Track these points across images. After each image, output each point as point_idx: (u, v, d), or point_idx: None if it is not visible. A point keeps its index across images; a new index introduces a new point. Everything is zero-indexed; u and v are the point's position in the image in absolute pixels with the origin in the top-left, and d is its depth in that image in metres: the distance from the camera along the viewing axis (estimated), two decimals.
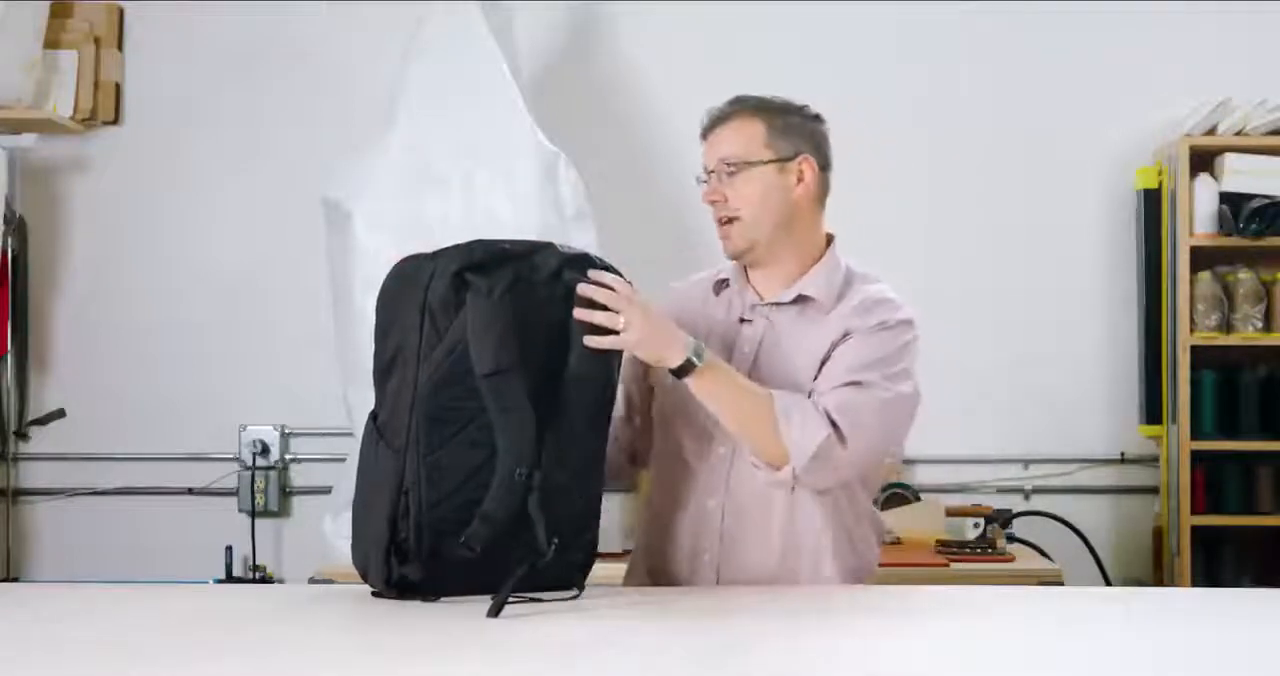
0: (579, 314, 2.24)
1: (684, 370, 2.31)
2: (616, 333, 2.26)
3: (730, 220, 2.48)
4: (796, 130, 2.51)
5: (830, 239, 2.56)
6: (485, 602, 2.11)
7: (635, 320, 2.25)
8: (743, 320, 2.53)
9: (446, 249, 2.28)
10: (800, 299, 2.49)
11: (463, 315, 2.22)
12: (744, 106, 2.52)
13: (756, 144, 2.48)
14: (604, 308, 2.26)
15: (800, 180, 2.49)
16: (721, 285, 2.59)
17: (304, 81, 4.57)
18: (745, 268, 2.55)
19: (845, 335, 2.43)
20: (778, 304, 2.50)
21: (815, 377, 2.42)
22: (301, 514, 4.54)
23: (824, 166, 2.52)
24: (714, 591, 2.44)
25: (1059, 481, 4.49)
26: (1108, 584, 4.20)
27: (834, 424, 2.33)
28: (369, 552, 2.27)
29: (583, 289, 2.25)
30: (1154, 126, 4.43)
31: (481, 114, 3.95)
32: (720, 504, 2.48)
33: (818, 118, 2.55)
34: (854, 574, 2.52)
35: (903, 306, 2.49)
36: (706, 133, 2.54)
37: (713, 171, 2.51)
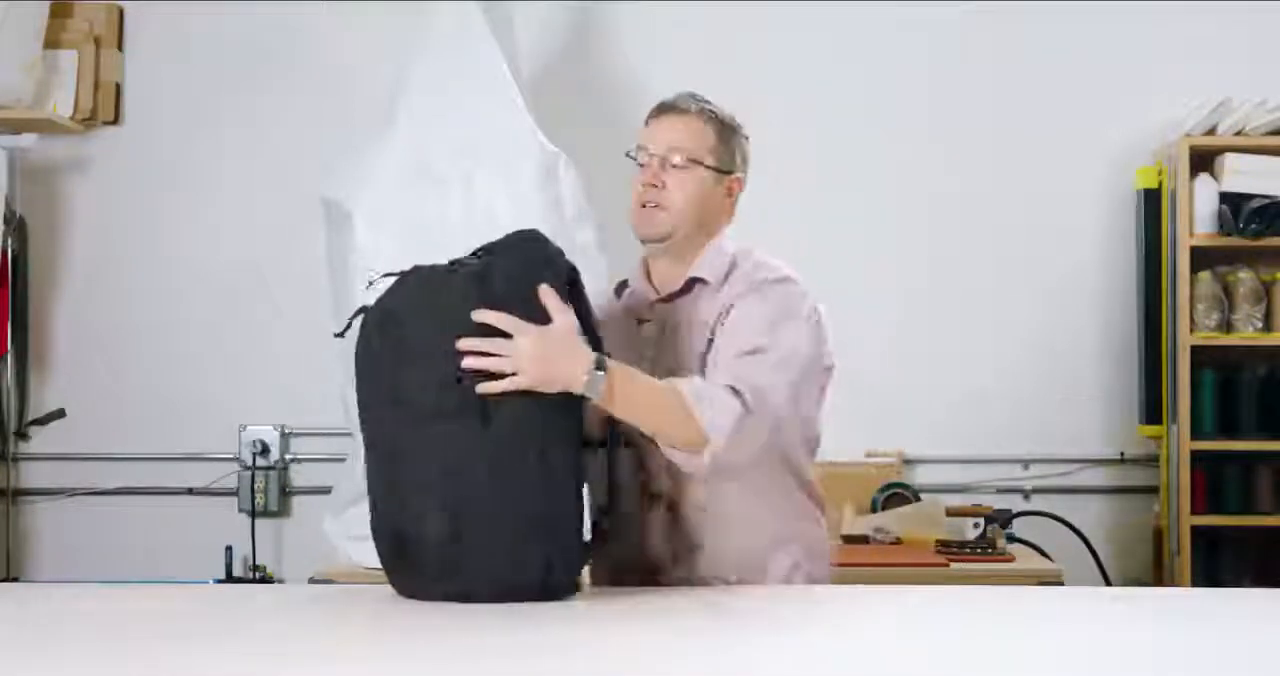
0: (469, 363, 2.18)
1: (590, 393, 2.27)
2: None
3: (658, 206, 2.51)
4: (739, 148, 2.59)
5: None
6: (483, 604, 2.11)
7: (523, 363, 2.18)
8: (640, 320, 2.56)
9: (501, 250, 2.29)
10: (690, 284, 2.53)
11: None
12: (700, 107, 2.56)
13: (705, 148, 2.54)
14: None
15: (729, 194, 2.57)
16: (622, 287, 2.64)
17: (304, 81, 4.57)
18: (647, 265, 2.59)
19: (729, 308, 2.46)
20: (671, 295, 2.54)
21: (706, 352, 2.44)
22: (301, 514, 4.54)
23: (742, 188, 2.62)
24: (709, 591, 2.44)
25: (1059, 481, 4.49)
26: (1108, 584, 4.20)
27: (737, 393, 2.34)
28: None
29: (462, 343, 2.18)
30: (1154, 126, 4.43)
31: (482, 114, 3.94)
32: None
33: (748, 139, 2.61)
34: (800, 541, 2.53)
35: (779, 267, 2.52)
36: (658, 115, 2.57)
37: (654, 155, 2.53)
